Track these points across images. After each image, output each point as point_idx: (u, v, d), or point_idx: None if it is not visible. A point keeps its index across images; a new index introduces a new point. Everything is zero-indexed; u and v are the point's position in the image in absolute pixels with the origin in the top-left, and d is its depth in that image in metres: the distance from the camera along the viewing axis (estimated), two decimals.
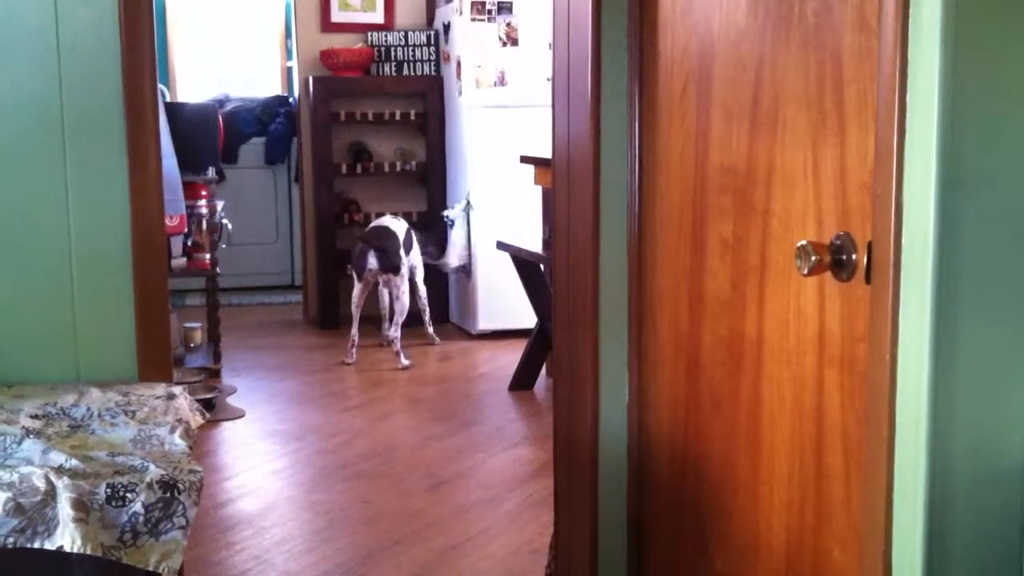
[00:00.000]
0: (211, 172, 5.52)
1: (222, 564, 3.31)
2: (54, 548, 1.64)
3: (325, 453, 4.41)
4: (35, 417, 2.03)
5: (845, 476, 1.64)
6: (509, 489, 3.95)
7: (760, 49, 1.85)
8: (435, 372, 5.73)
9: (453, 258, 6.36)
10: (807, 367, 1.73)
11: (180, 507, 1.72)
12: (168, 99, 7.11)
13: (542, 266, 5.09)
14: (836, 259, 1.58)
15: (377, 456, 4.35)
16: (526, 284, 5.31)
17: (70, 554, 1.65)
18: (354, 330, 5.85)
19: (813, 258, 1.59)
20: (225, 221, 5.64)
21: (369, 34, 6.83)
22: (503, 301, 6.19)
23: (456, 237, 6.42)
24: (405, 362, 5.73)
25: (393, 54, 6.81)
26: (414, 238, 6.03)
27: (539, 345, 5.22)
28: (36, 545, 1.64)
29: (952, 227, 1.35)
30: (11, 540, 1.63)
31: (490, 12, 6.26)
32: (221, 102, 8.00)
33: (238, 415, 4.95)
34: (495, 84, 6.29)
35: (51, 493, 1.67)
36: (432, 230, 6.55)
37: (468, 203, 6.46)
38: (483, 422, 4.87)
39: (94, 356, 2.35)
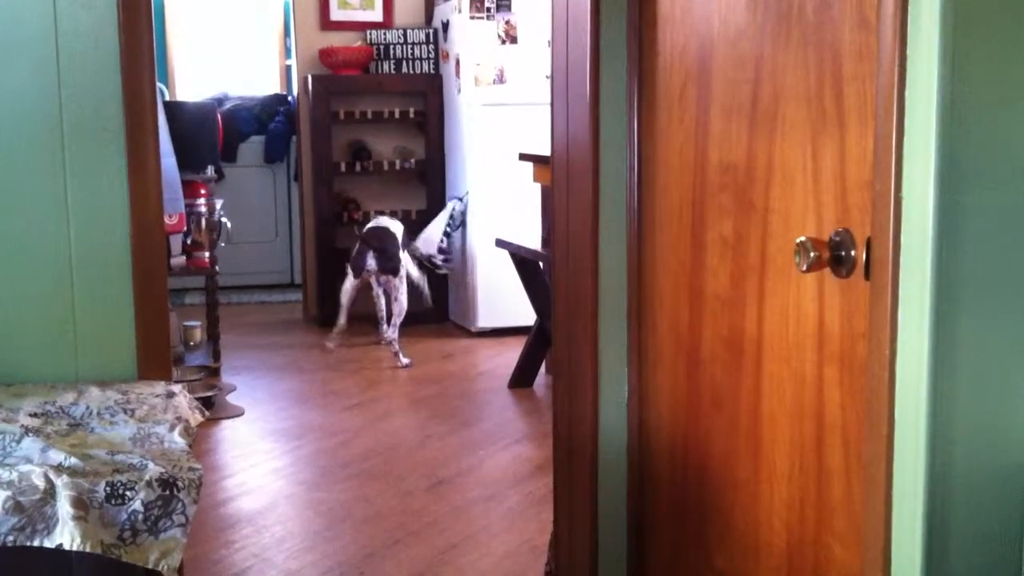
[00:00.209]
0: (210, 171, 5.52)
1: (222, 562, 3.31)
2: (54, 546, 1.64)
3: (325, 452, 4.41)
4: (34, 415, 2.03)
5: (845, 473, 1.64)
6: (509, 487, 3.95)
7: (759, 47, 1.85)
8: (435, 371, 5.73)
9: (421, 243, 6.31)
10: (807, 364, 1.73)
11: (179, 505, 1.72)
12: (167, 98, 7.12)
13: (541, 264, 5.09)
14: (835, 255, 1.58)
15: (377, 455, 4.35)
16: (525, 282, 5.31)
17: (70, 552, 1.65)
18: (342, 319, 5.83)
19: (812, 255, 1.59)
20: (224, 220, 5.64)
21: (368, 32, 6.82)
22: (502, 299, 6.19)
23: (434, 226, 6.40)
24: (404, 361, 5.73)
25: (392, 52, 6.81)
26: (407, 239, 6.02)
27: (538, 343, 5.22)
28: (36, 543, 1.64)
29: (951, 223, 1.35)
30: (11, 538, 1.63)
31: (489, 10, 6.26)
32: (220, 101, 8.00)
33: (237, 413, 4.95)
34: (494, 82, 6.29)
35: (50, 491, 1.67)
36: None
37: (461, 200, 6.46)
38: (483, 420, 4.87)
39: (93, 354, 2.35)
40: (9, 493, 1.65)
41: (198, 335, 5.71)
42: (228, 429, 4.77)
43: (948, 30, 1.33)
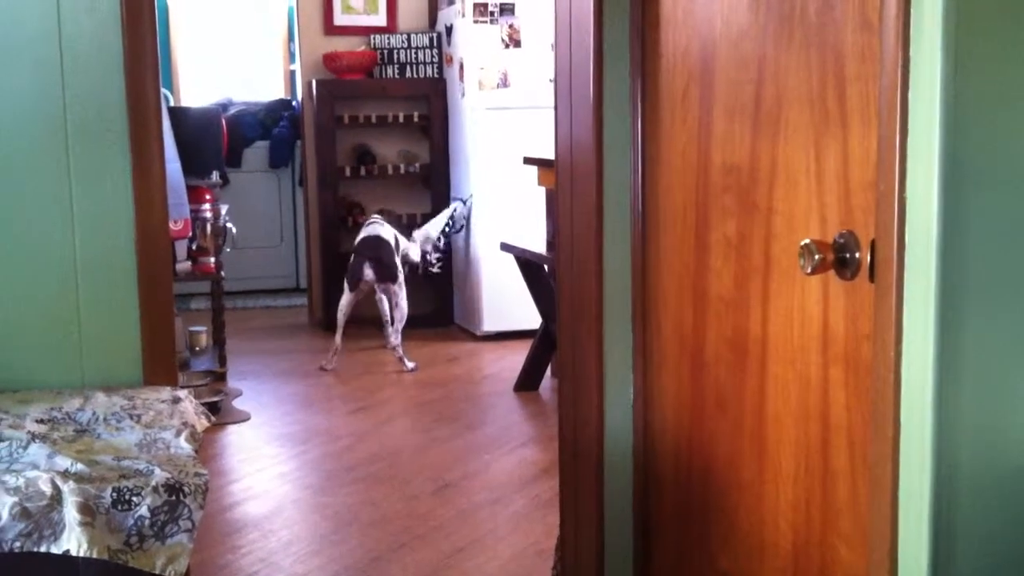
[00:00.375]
0: (215, 176, 5.53)
1: (229, 567, 3.31)
2: (60, 552, 1.65)
3: (331, 456, 4.42)
4: (41, 422, 2.03)
5: (851, 475, 1.64)
6: (515, 490, 3.95)
7: (762, 48, 1.85)
8: (440, 374, 5.73)
9: (418, 237, 6.31)
10: (812, 366, 1.73)
11: (186, 510, 1.72)
12: (172, 103, 7.13)
13: (546, 267, 5.09)
14: (839, 258, 1.58)
15: (383, 459, 4.35)
16: (530, 285, 5.31)
17: (76, 558, 1.65)
18: (338, 338, 5.82)
19: (816, 257, 1.58)
20: (229, 225, 5.65)
21: (372, 37, 6.83)
22: (507, 302, 6.19)
23: (433, 225, 6.40)
24: (410, 365, 5.73)
25: (396, 57, 6.82)
26: (401, 241, 6.01)
27: (543, 346, 5.22)
28: (43, 549, 1.65)
29: (955, 224, 1.35)
30: (18, 544, 1.64)
31: (492, 14, 6.27)
32: (224, 106, 8.01)
33: (244, 418, 4.95)
34: (498, 86, 6.29)
35: (57, 497, 1.67)
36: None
37: (465, 203, 6.46)
38: (488, 424, 4.87)
39: (99, 361, 2.36)
40: (16, 499, 1.66)
41: (204, 340, 5.72)
42: (234, 434, 4.77)
43: (950, 31, 1.33)
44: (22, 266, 2.31)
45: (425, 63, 6.82)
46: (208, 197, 5.41)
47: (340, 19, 6.85)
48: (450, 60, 6.66)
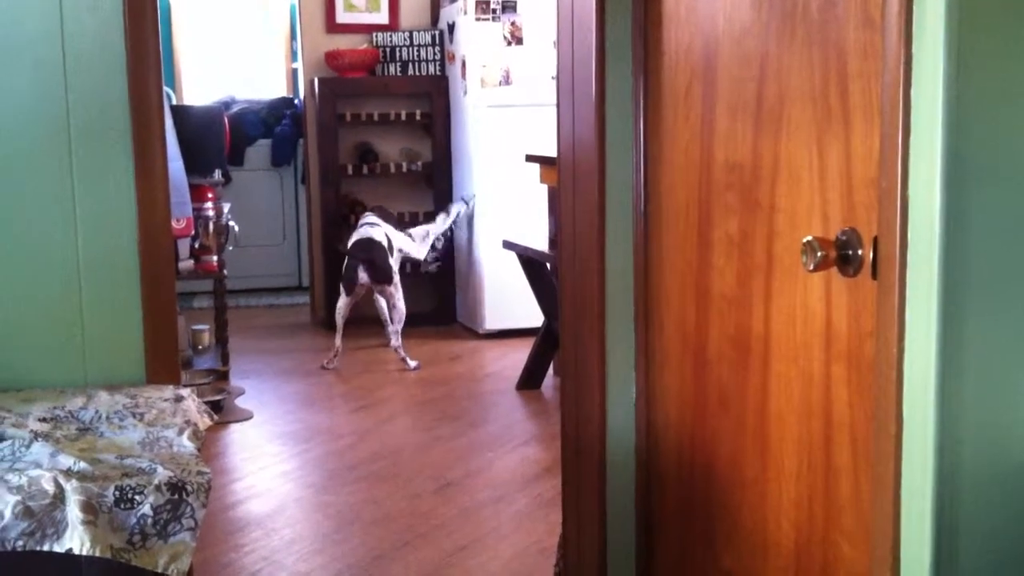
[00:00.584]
0: (217, 175, 5.53)
1: (231, 566, 3.32)
2: (63, 551, 1.65)
3: (334, 455, 4.42)
4: (43, 420, 2.03)
5: (853, 472, 1.64)
6: (517, 489, 3.95)
7: (764, 46, 1.84)
8: (442, 372, 5.73)
9: (417, 237, 6.30)
10: (814, 363, 1.73)
11: (188, 509, 1.72)
12: (174, 102, 7.13)
13: (548, 265, 5.09)
14: (842, 255, 1.58)
15: (385, 457, 4.35)
16: (532, 283, 5.31)
17: (79, 556, 1.65)
18: (338, 340, 5.82)
19: (819, 254, 1.58)
20: (232, 223, 5.65)
21: (374, 35, 6.83)
22: (509, 300, 6.19)
23: (435, 226, 6.40)
24: (412, 364, 5.74)
25: (398, 54, 6.82)
26: (395, 239, 5.99)
27: (546, 344, 5.22)
28: (45, 548, 1.65)
29: (958, 221, 1.35)
30: (20, 543, 1.64)
31: (495, 11, 6.26)
32: (227, 104, 8.01)
33: (246, 417, 4.95)
34: (500, 83, 6.29)
35: (60, 496, 1.67)
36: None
37: (465, 201, 6.46)
38: (491, 422, 4.87)
39: (102, 359, 2.36)
40: (19, 498, 1.66)
41: (206, 339, 5.72)
42: (237, 432, 4.77)
43: (953, 27, 1.33)
44: (25, 265, 2.31)
45: (427, 61, 6.82)
46: (210, 195, 5.41)
47: (342, 17, 6.85)
48: (452, 58, 6.66)
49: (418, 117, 6.81)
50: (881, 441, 1.48)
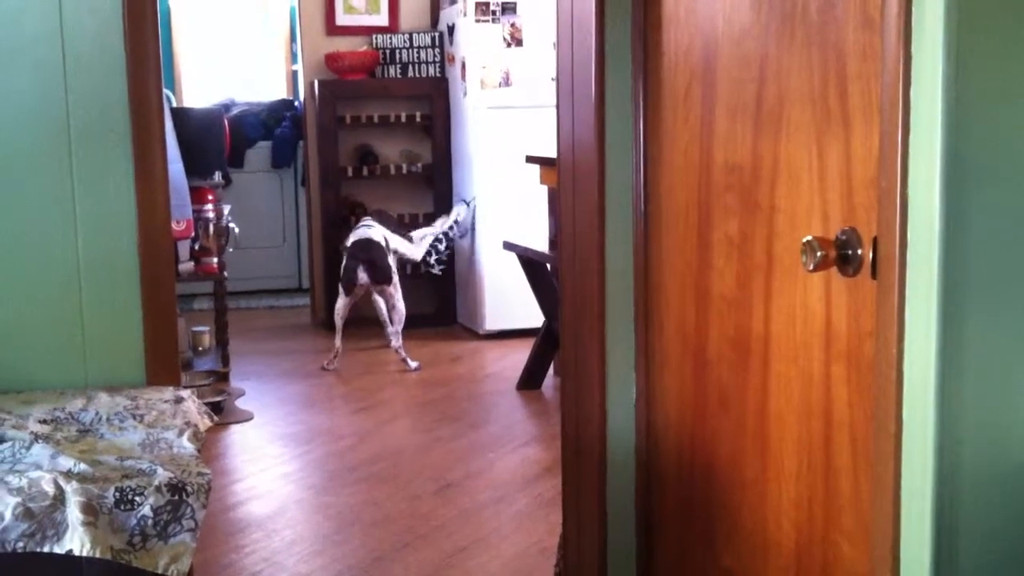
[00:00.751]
0: (217, 177, 5.53)
1: (232, 567, 3.32)
2: (64, 552, 1.65)
3: (334, 456, 4.42)
4: (44, 422, 2.03)
5: (853, 472, 1.64)
6: (518, 489, 3.95)
7: (764, 47, 1.85)
8: (442, 373, 5.73)
9: (417, 239, 6.30)
10: (814, 363, 1.73)
11: (189, 510, 1.72)
12: (174, 104, 7.13)
13: (548, 266, 5.09)
14: (842, 255, 1.58)
15: (386, 458, 4.35)
16: (533, 284, 5.31)
17: (79, 558, 1.65)
18: (338, 341, 5.82)
19: (819, 254, 1.58)
20: (232, 225, 5.65)
21: (374, 37, 6.83)
22: (510, 301, 6.19)
23: (435, 228, 6.40)
24: (413, 364, 5.74)
25: (398, 56, 6.82)
26: (392, 241, 5.98)
27: (546, 345, 5.22)
28: (46, 549, 1.65)
29: (957, 221, 1.35)
30: (21, 544, 1.64)
31: (494, 13, 6.27)
32: (227, 107, 8.01)
33: (246, 418, 4.96)
34: (500, 85, 6.29)
35: (60, 497, 1.67)
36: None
37: (467, 203, 6.46)
38: (491, 423, 4.87)
39: (102, 361, 2.36)
40: (19, 499, 1.66)
41: (207, 340, 5.72)
42: (237, 434, 4.78)
43: (952, 28, 1.33)
44: (25, 267, 2.31)
45: (427, 63, 6.82)
46: (211, 197, 5.41)
47: (342, 19, 6.85)
48: (452, 59, 6.66)
49: (418, 119, 6.82)
50: (881, 441, 1.48)
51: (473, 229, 6.51)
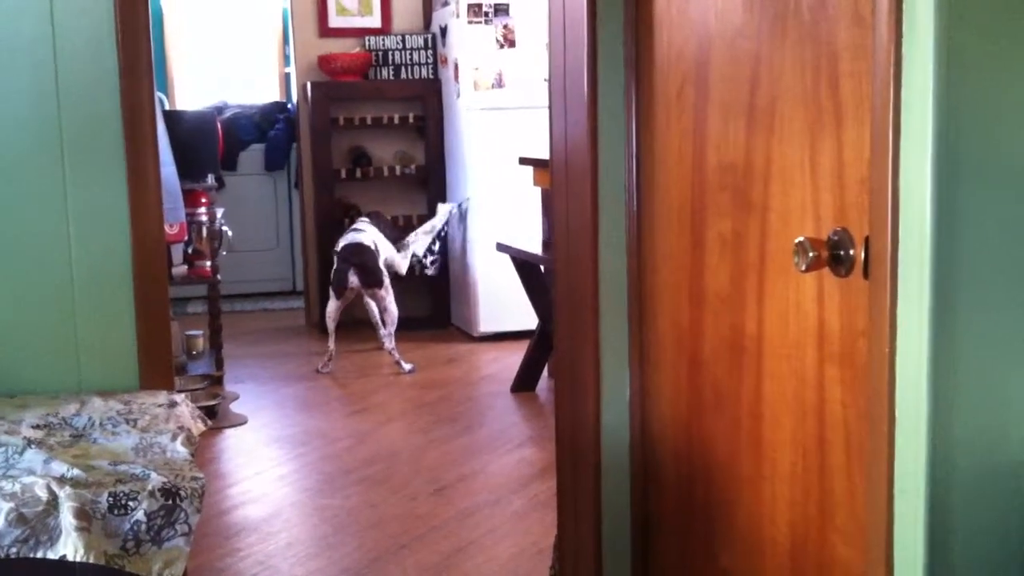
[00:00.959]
0: (211, 179, 5.52)
1: (227, 570, 3.31)
2: (57, 557, 1.64)
3: (329, 458, 4.41)
4: (37, 427, 2.03)
5: (847, 471, 1.64)
6: (513, 491, 3.95)
7: (756, 46, 1.85)
8: (437, 376, 5.73)
9: (411, 243, 6.30)
10: (807, 363, 1.73)
11: (182, 514, 1.72)
12: (167, 107, 7.12)
13: (542, 267, 5.09)
14: (834, 255, 1.58)
15: (381, 460, 4.35)
16: (526, 285, 5.31)
17: (73, 563, 1.65)
18: (331, 344, 5.81)
19: (811, 254, 1.58)
20: (225, 228, 5.64)
21: (366, 39, 6.83)
22: (504, 303, 6.19)
23: (425, 226, 6.39)
24: (407, 367, 5.73)
25: (391, 58, 6.82)
26: (383, 248, 5.95)
27: (541, 346, 5.22)
28: (39, 555, 1.65)
29: (949, 220, 1.35)
30: (14, 550, 1.64)
31: (487, 14, 6.27)
32: (220, 109, 8.00)
33: (241, 422, 4.95)
34: (493, 86, 6.29)
35: (53, 503, 1.67)
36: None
37: (460, 205, 6.46)
38: (486, 424, 4.87)
39: (96, 365, 2.36)
40: (12, 505, 1.65)
41: (200, 344, 5.71)
42: (232, 437, 4.77)
43: (943, 26, 1.33)
44: (18, 272, 2.31)
45: (420, 64, 6.82)
46: (204, 200, 5.40)
47: (334, 21, 6.85)
48: (445, 61, 6.66)
49: (411, 120, 6.82)
50: (874, 440, 1.48)
51: (466, 231, 6.50)
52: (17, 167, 2.29)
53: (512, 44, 6.30)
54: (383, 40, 6.82)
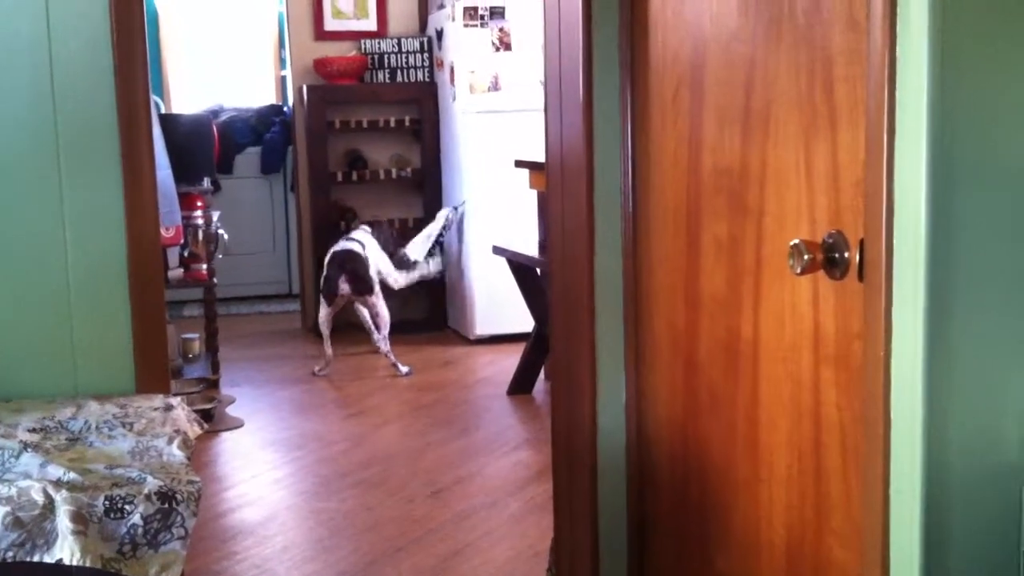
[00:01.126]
0: (207, 183, 5.51)
1: (223, 574, 3.31)
2: (53, 561, 1.64)
3: (326, 461, 4.41)
4: (33, 431, 2.03)
5: (843, 474, 1.64)
6: (510, 493, 3.95)
7: (751, 49, 1.85)
8: (434, 378, 5.73)
9: (410, 246, 6.29)
10: (803, 365, 1.73)
11: (179, 518, 1.72)
12: (162, 111, 7.11)
13: (538, 270, 5.09)
14: (829, 257, 1.58)
15: (378, 463, 4.35)
16: (523, 288, 5.31)
17: (69, 567, 1.65)
18: (327, 349, 5.81)
19: (806, 257, 1.59)
20: (221, 231, 5.63)
21: (362, 42, 6.83)
22: (500, 306, 6.19)
23: (425, 230, 6.39)
24: (404, 369, 5.73)
25: (387, 61, 6.82)
26: (371, 259, 5.91)
27: (537, 349, 5.22)
28: (35, 558, 1.64)
29: (943, 223, 1.35)
30: (10, 554, 1.63)
31: (483, 17, 6.27)
32: (216, 112, 8.00)
33: (237, 425, 4.95)
34: (489, 89, 6.29)
35: (50, 506, 1.67)
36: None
37: (456, 208, 6.46)
38: (483, 427, 4.87)
39: (92, 369, 2.36)
40: (8, 509, 1.65)
41: (197, 347, 5.70)
42: (228, 441, 4.77)
43: (937, 30, 1.33)
44: (14, 276, 2.31)
45: (416, 67, 6.83)
46: (200, 204, 5.39)
47: (330, 24, 6.85)
48: (441, 64, 6.66)
49: (407, 123, 6.82)
50: (870, 442, 1.48)
51: (463, 233, 6.51)
52: (13, 171, 2.29)
53: (508, 47, 6.30)
54: (379, 43, 6.82)
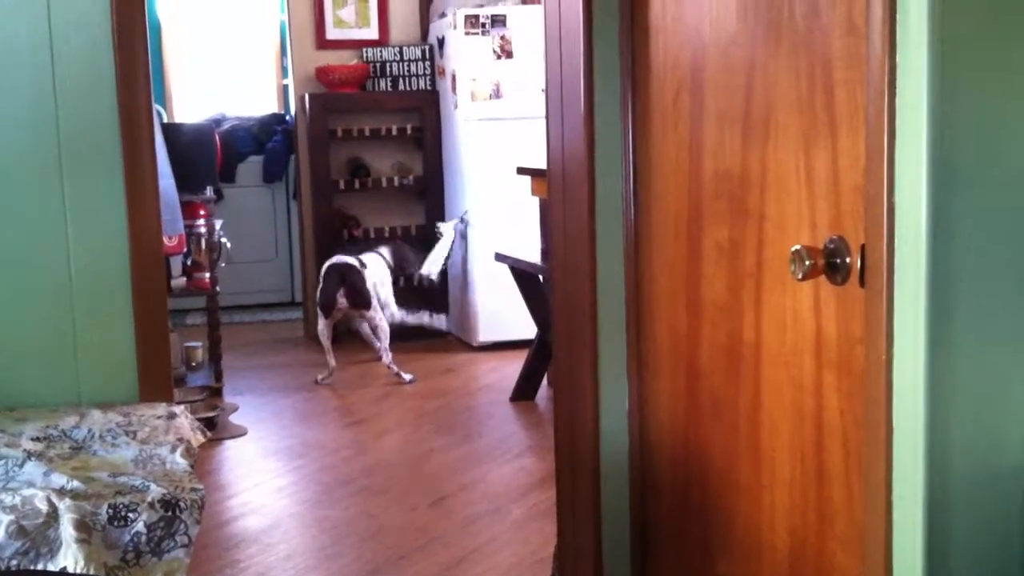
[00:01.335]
0: (209, 191, 5.53)
1: None
2: (57, 569, 1.65)
3: (329, 469, 4.41)
4: (36, 440, 2.03)
5: (845, 478, 1.64)
6: (513, 500, 3.95)
7: (751, 54, 1.86)
8: (436, 385, 5.73)
9: (426, 266, 6.31)
10: (805, 370, 1.74)
11: (182, 526, 1.72)
12: (165, 120, 7.13)
13: (541, 277, 5.10)
14: (830, 263, 1.59)
15: (381, 471, 4.35)
16: (525, 295, 5.31)
17: (73, 575, 1.65)
18: (330, 359, 5.80)
19: (807, 263, 1.59)
20: (224, 240, 5.65)
21: (364, 50, 6.85)
22: (503, 313, 6.19)
23: (439, 249, 6.40)
24: (407, 377, 5.73)
25: (388, 69, 6.83)
26: (368, 278, 5.84)
27: (540, 356, 5.22)
28: (39, 567, 1.65)
29: (945, 228, 1.36)
30: (15, 562, 1.64)
31: (484, 26, 6.28)
32: (218, 121, 8.01)
33: (240, 433, 4.95)
34: (490, 97, 6.30)
35: (53, 515, 1.67)
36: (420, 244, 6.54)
37: (462, 220, 6.47)
38: (486, 434, 4.87)
39: (95, 378, 2.36)
40: (12, 517, 1.66)
41: (199, 356, 5.72)
42: (231, 449, 4.77)
43: (936, 35, 1.34)
44: (17, 284, 2.31)
45: (417, 75, 6.84)
46: (202, 212, 5.41)
47: (332, 33, 6.86)
48: (442, 72, 6.67)
49: (409, 131, 6.83)
50: (871, 447, 1.48)
51: (466, 241, 6.51)
52: (16, 180, 2.30)
53: (509, 55, 6.31)
54: (381, 52, 6.83)
